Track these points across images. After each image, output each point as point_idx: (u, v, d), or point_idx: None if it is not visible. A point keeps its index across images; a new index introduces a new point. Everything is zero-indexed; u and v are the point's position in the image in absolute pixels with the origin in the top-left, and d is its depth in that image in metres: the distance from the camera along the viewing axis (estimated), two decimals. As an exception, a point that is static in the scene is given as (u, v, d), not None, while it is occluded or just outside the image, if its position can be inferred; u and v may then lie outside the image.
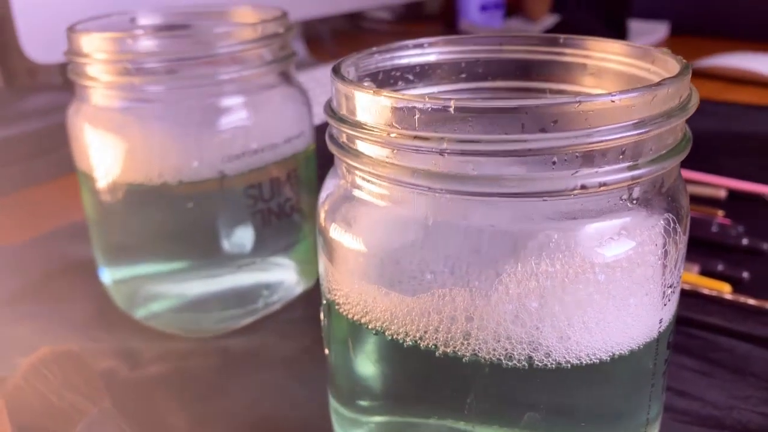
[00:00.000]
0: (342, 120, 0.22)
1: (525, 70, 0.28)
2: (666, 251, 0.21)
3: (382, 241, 0.22)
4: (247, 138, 0.35)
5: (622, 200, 0.20)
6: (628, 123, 0.19)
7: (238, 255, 0.36)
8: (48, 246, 0.46)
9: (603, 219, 0.20)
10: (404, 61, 0.27)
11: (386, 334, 0.22)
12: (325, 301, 0.24)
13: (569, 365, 0.20)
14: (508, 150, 0.18)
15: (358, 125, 0.21)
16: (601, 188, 0.19)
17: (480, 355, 0.21)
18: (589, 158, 0.19)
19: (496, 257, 0.20)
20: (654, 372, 0.22)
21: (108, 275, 0.39)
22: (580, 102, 0.18)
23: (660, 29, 1.14)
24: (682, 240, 0.22)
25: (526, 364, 0.20)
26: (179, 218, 0.35)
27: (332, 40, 1.17)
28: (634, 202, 0.20)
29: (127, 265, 0.38)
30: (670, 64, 0.23)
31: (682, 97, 0.20)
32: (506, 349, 0.20)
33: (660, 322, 0.22)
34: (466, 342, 0.21)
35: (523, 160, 0.19)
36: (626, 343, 0.21)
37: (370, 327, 0.22)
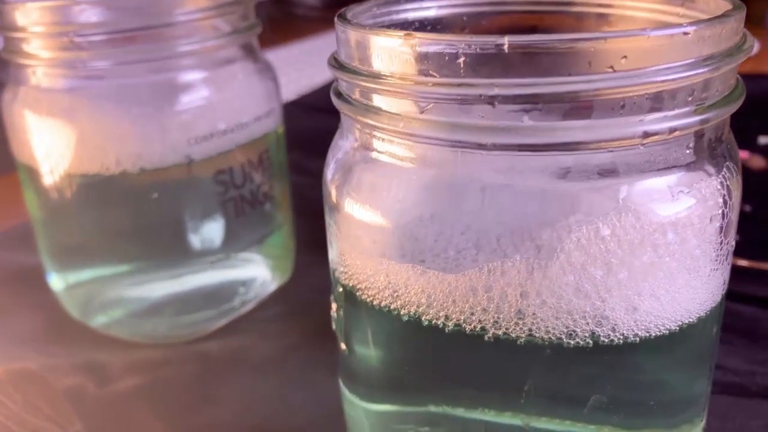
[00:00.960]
0: (357, 73, 0.19)
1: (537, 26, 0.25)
2: (731, 205, 0.19)
3: (414, 211, 0.19)
4: (214, 117, 0.31)
5: (688, 150, 0.18)
6: (700, 58, 0.16)
7: (210, 250, 0.33)
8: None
9: (670, 173, 0.18)
10: (402, 16, 0.24)
11: (422, 319, 0.19)
12: (341, 289, 0.21)
13: (637, 339, 0.18)
14: (572, 92, 0.16)
15: (378, 77, 0.18)
16: (671, 135, 0.17)
17: (537, 335, 0.18)
18: (658, 100, 0.16)
19: (553, 222, 0.17)
20: (715, 339, 0.20)
21: (59, 281, 0.34)
22: (650, 34, 0.16)
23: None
24: (740, 194, 0.20)
25: (591, 341, 0.18)
26: (142, 211, 0.31)
27: (264, 28, 1.12)
28: (700, 152, 0.18)
29: (82, 268, 0.33)
30: (704, 6, 0.21)
31: (739, 34, 0.18)
32: (568, 326, 0.18)
33: (723, 284, 0.20)
34: (520, 321, 0.18)
35: (585, 106, 0.16)
36: (695, 310, 0.19)
37: (402, 312, 0.19)
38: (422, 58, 0.17)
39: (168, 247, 0.32)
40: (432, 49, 0.17)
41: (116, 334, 0.34)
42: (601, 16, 0.24)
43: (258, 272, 0.36)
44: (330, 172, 0.21)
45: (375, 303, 0.20)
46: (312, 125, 0.43)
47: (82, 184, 0.30)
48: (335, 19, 0.21)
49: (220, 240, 0.33)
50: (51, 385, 0.27)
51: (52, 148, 0.30)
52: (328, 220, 0.22)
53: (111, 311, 0.34)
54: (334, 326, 0.23)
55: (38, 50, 0.29)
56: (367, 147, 0.20)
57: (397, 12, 0.24)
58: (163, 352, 0.32)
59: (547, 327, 0.18)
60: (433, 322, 0.19)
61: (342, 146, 0.21)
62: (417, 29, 0.25)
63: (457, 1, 0.25)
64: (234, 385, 0.29)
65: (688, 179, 0.18)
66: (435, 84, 0.17)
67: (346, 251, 0.21)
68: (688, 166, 0.18)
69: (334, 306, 0.23)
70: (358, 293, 0.20)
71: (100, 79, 0.30)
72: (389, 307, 0.19)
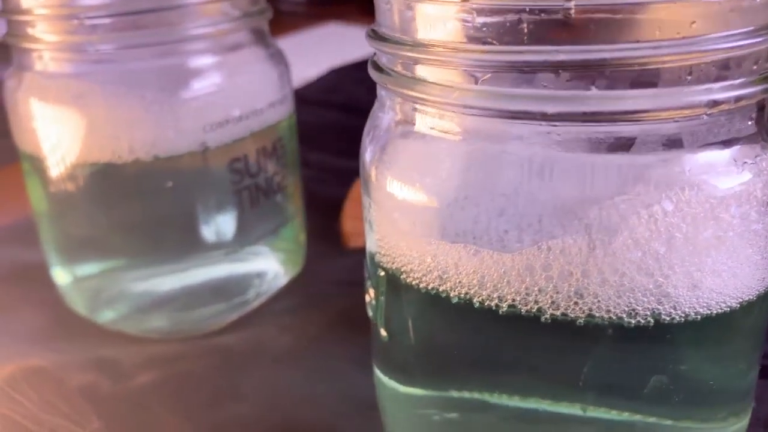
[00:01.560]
0: (402, 44, 0.18)
1: None
2: (790, 177, 0.18)
3: (463, 188, 0.18)
4: (228, 103, 0.30)
5: (750, 121, 0.17)
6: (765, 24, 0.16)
7: (224, 241, 0.32)
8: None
9: (732, 145, 0.17)
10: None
11: (474, 301, 0.18)
12: (382, 273, 0.20)
13: (699, 316, 0.17)
14: (641, 58, 0.15)
15: (429, 47, 0.17)
16: (736, 104, 0.16)
17: (597, 314, 0.17)
18: (724, 68, 0.16)
19: (616, 196, 0.17)
20: (769, 318, 0.20)
21: (65, 276, 0.33)
22: (720, -1, 0.15)
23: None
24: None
25: (652, 320, 0.17)
26: (155, 201, 0.30)
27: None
28: (761, 124, 0.17)
29: (90, 262, 0.32)
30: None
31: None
32: (629, 305, 0.17)
33: (781, 261, 0.19)
34: (580, 301, 0.17)
35: (652, 74, 0.16)
36: (755, 287, 0.18)
37: (452, 295, 0.18)
38: (481, 25, 0.16)
39: (181, 239, 0.31)
40: (492, 15, 0.16)
41: (125, 329, 0.33)
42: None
43: (271, 264, 0.35)
44: (368, 150, 0.21)
45: (421, 286, 0.19)
46: (306, 119, 0.42)
47: (92, 174, 0.29)
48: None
49: (235, 231, 0.32)
50: (65, 382, 0.25)
51: (60, 137, 0.29)
52: (366, 201, 0.21)
53: (119, 305, 0.33)
54: (370, 313, 0.22)
55: (44, 34, 0.28)
56: (409, 121, 0.19)
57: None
58: (178, 347, 0.31)
59: (608, 306, 0.17)
60: (485, 304, 0.18)
61: (380, 122, 0.20)
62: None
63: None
64: (256, 379, 0.28)
65: (750, 151, 0.17)
66: (495, 52, 0.16)
67: (388, 233, 0.20)
68: (749, 138, 0.17)
69: (371, 292, 0.22)
70: (402, 277, 0.20)
71: (110, 64, 0.29)
72: (437, 289, 0.19)
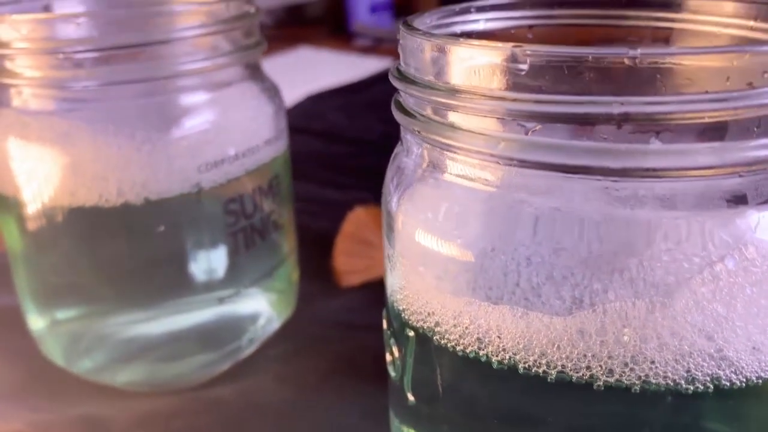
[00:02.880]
0: (435, 88, 0.17)
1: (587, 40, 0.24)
2: None
3: (507, 244, 0.17)
4: (223, 142, 0.28)
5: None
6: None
7: (218, 285, 0.30)
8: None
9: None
10: (459, 28, 0.22)
11: (519, 366, 0.17)
12: (411, 333, 0.19)
13: (760, 380, 0.16)
14: (710, 111, 0.14)
15: (468, 93, 0.16)
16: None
17: (654, 381, 0.16)
18: (791, 120, 0.15)
19: (678, 254, 0.15)
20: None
21: (42, 322, 0.30)
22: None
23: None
24: None
25: (711, 386, 0.16)
26: (145, 245, 0.28)
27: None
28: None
29: (72, 308, 0.30)
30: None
31: None
32: (688, 370, 0.16)
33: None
34: (636, 367, 0.16)
35: (719, 127, 0.15)
36: (815, 346, 0.17)
37: (494, 359, 0.17)
38: (535, 72, 0.15)
39: (171, 284, 0.29)
40: (549, 62, 0.15)
41: (109, 381, 0.30)
42: (658, 30, 0.23)
43: (265, 307, 0.33)
44: (393, 197, 0.19)
45: (458, 349, 0.18)
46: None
47: (76, 217, 0.27)
48: (400, 27, 0.19)
49: (229, 274, 0.30)
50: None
51: (42, 178, 0.27)
52: (390, 252, 0.20)
53: (104, 355, 0.30)
54: (392, 374, 0.21)
55: (25, 69, 0.26)
56: (439, 168, 0.18)
57: (447, 25, 0.22)
58: (169, 402, 0.29)
59: (666, 372, 0.16)
60: (531, 370, 0.17)
61: (406, 167, 0.19)
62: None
63: (505, 14, 0.24)
64: (258, 437, 0.26)
65: (811, 206, 0.16)
66: (550, 102, 0.15)
67: (418, 289, 0.18)
68: (810, 192, 0.16)
69: (395, 352, 0.20)
70: (435, 338, 0.18)
71: (97, 101, 0.27)
72: (477, 353, 0.17)
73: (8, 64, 0.27)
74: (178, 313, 0.30)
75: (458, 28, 0.23)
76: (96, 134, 0.26)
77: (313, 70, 1.05)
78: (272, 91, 0.31)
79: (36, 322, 0.31)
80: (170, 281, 0.29)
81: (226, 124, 0.28)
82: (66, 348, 0.31)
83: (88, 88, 0.26)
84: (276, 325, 0.34)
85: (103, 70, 0.26)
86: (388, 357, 0.21)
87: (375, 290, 0.38)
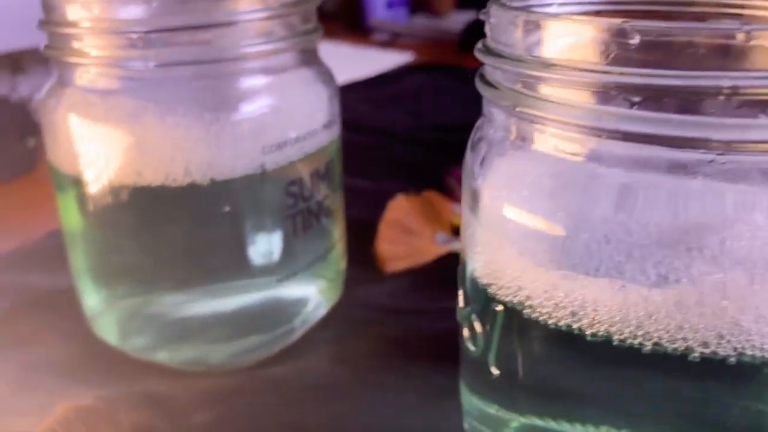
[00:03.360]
0: (528, 62, 0.17)
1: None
2: None
3: (604, 217, 0.17)
4: (285, 124, 0.29)
5: None
6: None
7: (277, 267, 0.30)
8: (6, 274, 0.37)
9: None
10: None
11: (615, 339, 0.17)
12: (500, 308, 0.19)
13: None
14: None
15: (568, 68, 0.16)
16: None
17: (750, 352, 0.16)
18: None
19: (775, 228, 0.16)
20: None
21: (98, 301, 0.31)
22: None
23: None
24: None
25: (807, 358, 0.16)
26: (208, 226, 0.28)
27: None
28: None
29: (133, 290, 0.30)
30: None
31: None
32: (784, 343, 0.16)
33: None
34: (733, 339, 0.16)
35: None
36: None
37: (588, 332, 0.17)
38: (645, 47, 0.15)
39: (231, 265, 0.29)
40: (658, 38, 0.15)
41: (164, 360, 0.31)
42: (726, 16, 0.23)
43: (316, 291, 0.33)
44: (477, 172, 0.20)
45: (550, 322, 0.18)
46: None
47: (142, 197, 0.27)
48: (492, 6, 0.19)
49: (287, 256, 0.30)
50: (121, 423, 0.24)
51: (108, 158, 0.27)
52: (473, 228, 0.20)
53: (159, 334, 0.31)
54: (471, 348, 0.21)
55: (92, 48, 0.27)
56: (528, 140, 0.18)
57: (524, 8, 0.23)
58: (228, 381, 0.29)
59: (762, 344, 0.16)
60: (626, 343, 0.17)
61: (491, 140, 0.19)
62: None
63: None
64: (321, 413, 0.27)
65: None
66: (659, 76, 0.15)
67: (505, 263, 0.19)
68: None
69: (476, 328, 0.21)
70: (526, 311, 0.18)
71: (162, 82, 0.27)
72: (570, 326, 0.18)
73: (75, 44, 0.27)
74: (235, 294, 0.30)
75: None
76: (164, 114, 0.26)
77: (335, 64, 1.06)
78: (327, 76, 0.32)
79: (92, 300, 0.31)
80: (230, 262, 0.29)
81: (287, 108, 0.29)
82: (122, 327, 0.31)
83: (153, 68, 0.27)
84: (325, 309, 0.34)
85: (167, 50, 0.27)
86: (466, 333, 0.21)
87: (418, 276, 0.39)
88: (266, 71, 0.29)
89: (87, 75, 0.27)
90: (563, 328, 0.18)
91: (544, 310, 0.18)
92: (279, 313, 0.31)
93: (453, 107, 0.72)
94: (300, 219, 0.30)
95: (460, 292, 0.22)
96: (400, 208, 0.40)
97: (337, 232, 0.34)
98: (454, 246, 0.41)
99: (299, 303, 0.32)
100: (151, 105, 0.27)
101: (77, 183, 0.28)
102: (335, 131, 0.32)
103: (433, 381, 0.29)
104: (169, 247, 0.29)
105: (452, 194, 0.47)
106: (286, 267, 0.30)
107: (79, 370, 0.30)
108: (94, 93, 0.27)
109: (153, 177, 0.27)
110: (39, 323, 0.33)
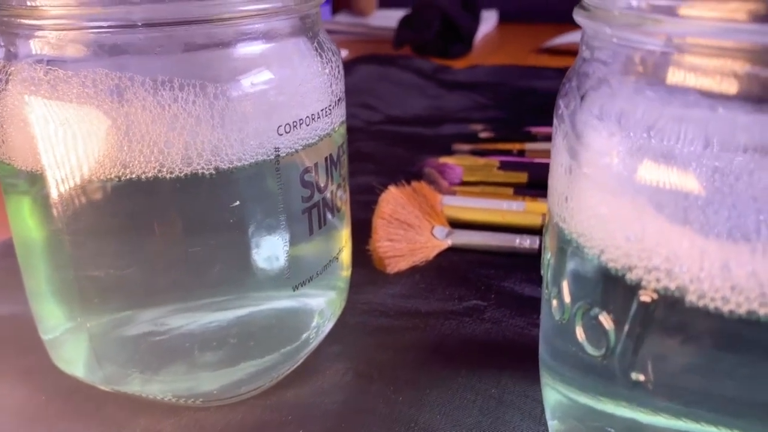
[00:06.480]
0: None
1: None
2: None
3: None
4: (300, 99, 0.24)
5: None
6: None
7: (293, 272, 0.25)
8: None
9: None
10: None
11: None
12: (647, 299, 0.15)
13: None
14: None
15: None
16: None
17: None
18: None
19: None
20: None
21: (63, 326, 0.25)
22: None
23: (491, 17, 1.16)
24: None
25: None
26: (213, 226, 0.23)
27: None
28: None
29: (112, 305, 0.24)
30: None
31: None
32: None
33: None
34: None
35: None
36: None
37: (766, 314, 0.14)
38: None
39: (240, 273, 0.24)
40: None
41: (149, 393, 0.25)
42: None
43: (329, 298, 0.28)
44: (586, 119, 0.16)
45: (726, 310, 0.14)
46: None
47: (129, 194, 0.22)
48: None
49: (303, 261, 0.25)
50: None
51: (83, 148, 0.21)
52: (584, 195, 0.16)
53: (142, 362, 0.25)
54: (594, 353, 0.17)
55: (54, 4, 0.21)
56: (658, 75, 0.15)
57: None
58: (236, 414, 0.24)
59: None
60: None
61: (597, 73, 0.16)
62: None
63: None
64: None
65: None
66: None
67: (659, 238, 0.15)
68: None
69: (605, 323, 0.17)
70: (689, 299, 0.15)
71: (145, 54, 0.22)
72: (757, 315, 0.14)
73: (32, 10, 0.21)
74: (239, 307, 0.25)
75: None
76: (156, 88, 0.21)
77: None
78: (333, 47, 0.27)
79: (54, 325, 0.25)
80: (239, 268, 0.24)
81: (298, 82, 0.24)
82: (96, 353, 0.25)
83: (140, 28, 0.21)
84: (334, 319, 0.29)
85: (156, 6, 0.21)
86: (581, 335, 0.17)
87: (423, 274, 0.35)
88: (269, 37, 0.24)
89: (48, 42, 0.22)
90: (744, 317, 0.14)
91: (718, 295, 0.14)
92: (289, 327, 0.26)
93: (402, 99, 0.69)
94: (316, 214, 0.25)
95: (563, 285, 0.18)
96: (394, 202, 0.36)
97: (346, 231, 0.29)
98: (456, 240, 0.37)
99: (311, 314, 0.27)
100: (138, 77, 0.21)
101: (38, 181, 0.22)
102: (343, 110, 0.27)
103: (489, 390, 0.25)
104: (162, 254, 0.23)
105: (435, 185, 0.43)
106: (300, 273, 0.25)
107: (40, 413, 0.24)
108: (59, 64, 0.22)
109: (143, 168, 0.22)
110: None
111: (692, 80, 0.15)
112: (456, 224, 0.38)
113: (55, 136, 0.21)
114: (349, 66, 0.75)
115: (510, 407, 0.24)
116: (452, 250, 0.37)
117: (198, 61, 0.22)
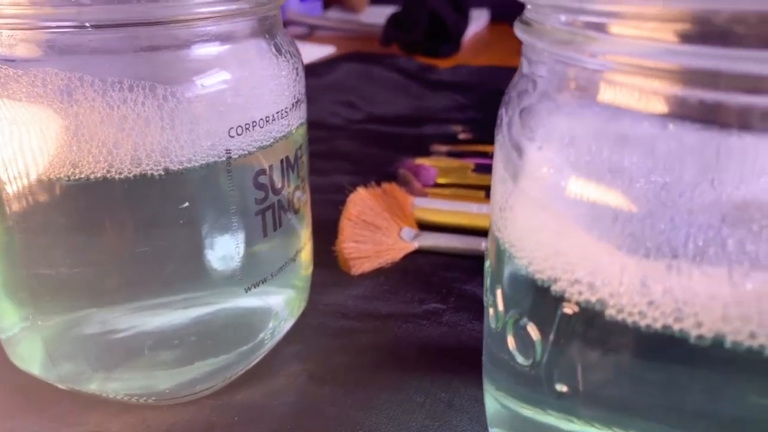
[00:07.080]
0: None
1: None
2: None
3: (718, 184, 0.14)
4: (252, 103, 0.24)
5: None
6: None
7: (246, 273, 0.25)
8: None
9: None
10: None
11: (727, 341, 0.14)
12: (569, 311, 0.16)
13: None
14: None
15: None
16: None
17: None
18: None
19: None
20: None
21: (17, 324, 0.25)
22: None
23: (482, 16, 1.16)
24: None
25: None
26: (162, 227, 0.23)
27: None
28: None
29: (63, 303, 0.24)
30: None
31: None
32: None
33: None
34: None
35: None
36: None
37: (694, 335, 0.14)
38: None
39: (191, 273, 0.24)
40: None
41: (102, 391, 0.25)
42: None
43: (286, 298, 0.29)
44: (526, 138, 0.16)
45: (642, 324, 0.14)
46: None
47: (78, 194, 0.22)
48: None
49: (256, 261, 0.25)
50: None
51: (32, 147, 0.21)
52: (519, 208, 0.16)
53: (97, 362, 0.25)
54: (520, 361, 0.17)
55: (6, 5, 0.21)
56: (589, 92, 0.15)
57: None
58: (187, 414, 0.24)
59: None
60: (743, 347, 0.14)
61: (533, 92, 0.16)
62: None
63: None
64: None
65: None
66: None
67: (582, 252, 0.15)
68: None
69: (533, 334, 0.17)
70: (609, 313, 0.15)
71: (102, 50, 0.22)
72: (671, 327, 0.14)
73: (-17, 4, 0.21)
74: (192, 307, 0.25)
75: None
76: (105, 89, 0.21)
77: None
78: (293, 48, 0.27)
79: (8, 323, 0.25)
80: (190, 269, 0.24)
81: (253, 82, 0.24)
82: (51, 352, 0.25)
83: (89, 30, 0.21)
84: (293, 320, 0.29)
85: (107, 7, 0.21)
86: (512, 344, 0.18)
87: (387, 276, 0.35)
88: (225, 38, 0.24)
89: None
90: (660, 331, 0.14)
91: (636, 310, 0.15)
92: (244, 327, 0.27)
93: (385, 98, 0.69)
94: (270, 216, 0.25)
95: (498, 293, 0.18)
96: (362, 203, 0.36)
97: (306, 232, 0.29)
98: (422, 242, 0.37)
99: (267, 314, 0.27)
100: (88, 78, 0.21)
101: (-12, 180, 0.23)
102: (303, 113, 0.27)
103: (437, 394, 0.26)
104: (113, 254, 0.23)
105: (409, 187, 0.43)
106: (255, 273, 0.26)
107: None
108: (8, 64, 0.22)
109: (92, 168, 0.22)
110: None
111: (621, 98, 0.15)
112: (425, 226, 0.38)
113: (3, 134, 0.22)
114: (333, 63, 0.75)
115: (459, 411, 0.25)
116: (419, 252, 0.37)
117: (150, 62, 0.22)
